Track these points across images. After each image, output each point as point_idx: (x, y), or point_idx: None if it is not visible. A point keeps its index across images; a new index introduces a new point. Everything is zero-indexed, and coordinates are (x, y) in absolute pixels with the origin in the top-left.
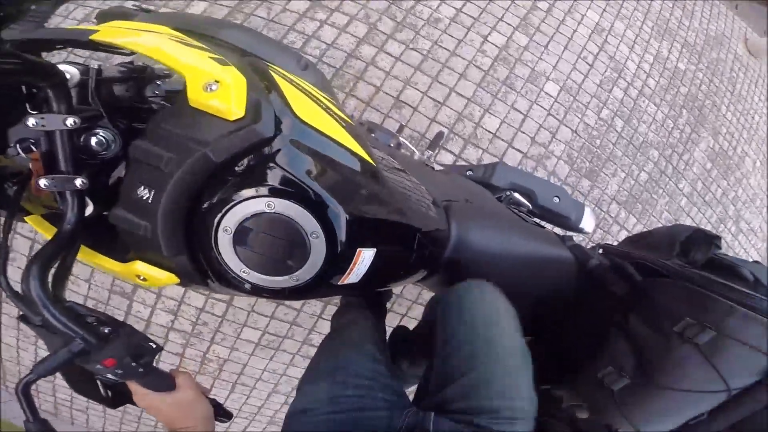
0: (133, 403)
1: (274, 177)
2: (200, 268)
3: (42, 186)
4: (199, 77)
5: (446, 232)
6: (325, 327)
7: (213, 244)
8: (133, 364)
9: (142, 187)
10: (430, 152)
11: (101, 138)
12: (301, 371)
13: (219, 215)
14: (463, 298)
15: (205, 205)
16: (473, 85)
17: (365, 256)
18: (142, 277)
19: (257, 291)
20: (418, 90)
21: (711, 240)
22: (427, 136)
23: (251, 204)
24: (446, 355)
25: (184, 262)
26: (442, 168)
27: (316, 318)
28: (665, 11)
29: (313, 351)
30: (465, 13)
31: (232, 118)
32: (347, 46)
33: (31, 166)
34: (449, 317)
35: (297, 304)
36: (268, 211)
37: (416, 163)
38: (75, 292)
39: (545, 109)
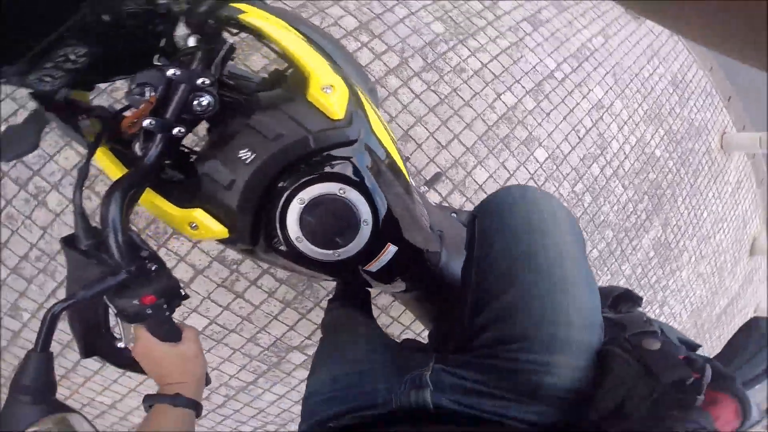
0: (136, 370)
1: (350, 170)
2: (255, 229)
3: (146, 125)
4: (321, 79)
5: (438, 256)
6: (277, 329)
7: (280, 211)
8: (164, 306)
9: (246, 150)
10: (425, 188)
11: (208, 101)
12: (237, 369)
13: (299, 187)
14: (503, 201)
15: (288, 178)
16: (475, 136)
17: (390, 251)
18: (194, 225)
19: (296, 258)
20: (427, 129)
21: (636, 299)
22: (423, 173)
23: (329, 186)
24: (480, 276)
25: (246, 221)
26: (435, 204)
27: (271, 318)
28: (663, 96)
29: (257, 350)
30: (488, 69)
31: (335, 118)
32: (377, 72)
33: (142, 106)
34: (487, 228)
35: (256, 300)
36: (339, 194)
37: (419, 192)
38: None
39: (530, 172)
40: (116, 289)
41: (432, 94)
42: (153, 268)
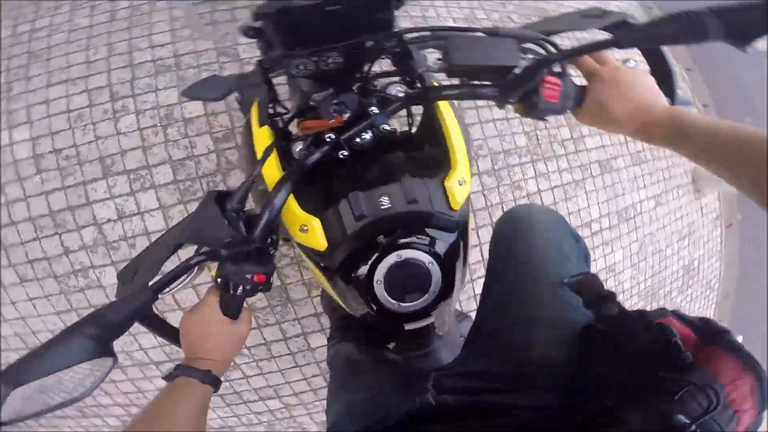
0: (165, 335)
1: (443, 251)
2: (348, 257)
3: (326, 137)
4: (460, 173)
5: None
6: None
7: (379, 254)
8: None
9: (387, 199)
10: None
11: (369, 138)
12: None
13: (404, 245)
14: (502, 223)
15: (400, 234)
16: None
17: (429, 320)
18: (305, 228)
19: (363, 290)
20: None
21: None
22: None
23: (424, 256)
24: (486, 291)
25: (349, 248)
26: None
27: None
28: (670, 278)
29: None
30: (541, 196)
31: (454, 208)
32: None
33: (331, 120)
34: (493, 250)
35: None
36: (427, 265)
37: None
38: None
39: None
40: (233, 257)
41: (481, 198)
42: (271, 252)
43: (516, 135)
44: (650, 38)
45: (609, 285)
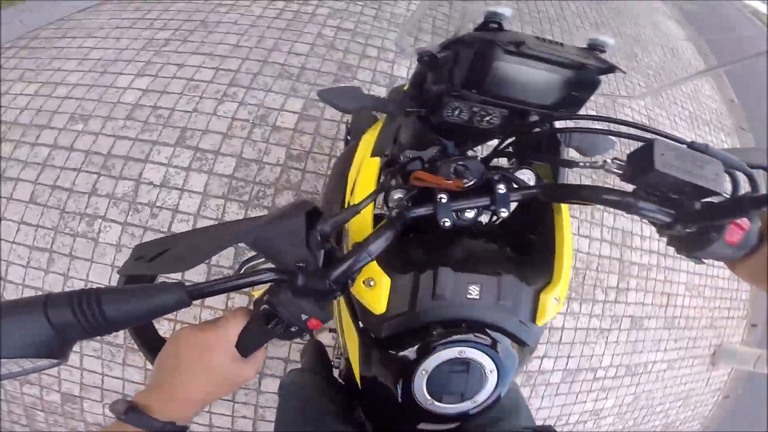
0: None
1: (510, 364)
2: (400, 334)
3: (439, 196)
4: (559, 291)
5: None
6: None
7: (437, 345)
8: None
9: (477, 290)
10: None
11: (473, 216)
12: None
13: (465, 344)
14: None
15: (464, 330)
16: None
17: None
18: (371, 283)
19: (396, 371)
20: None
21: None
22: None
23: (486, 361)
24: None
25: (407, 324)
26: None
27: None
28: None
29: None
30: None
31: (539, 324)
32: None
33: (449, 181)
34: None
35: None
36: (487, 374)
37: None
38: None
39: None
40: (299, 288)
41: None
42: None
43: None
44: None
45: (587, 427)
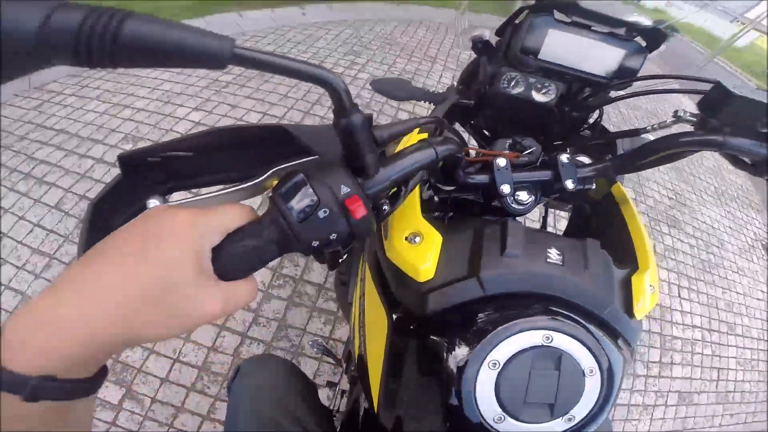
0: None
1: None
2: (449, 315)
3: (498, 162)
4: (653, 276)
5: None
6: None
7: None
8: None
9: (557, 251)
10: None
11: (531, 200)
12: None
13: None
14: None
15: (543, 313)
16: None
17: None
18: (416, 239)
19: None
20: None
21: None
22: None
23: (576, 363)
24: None
25: (460, 295)
26: None
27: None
28: None
29: None
30: None
31: (638, 317)
32: None
33: (506, 152)
34: None
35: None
36: (589, 374)
37: None
38: None
39: None
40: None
41: None
42: (384, 208)
43: None
44: None
45: None
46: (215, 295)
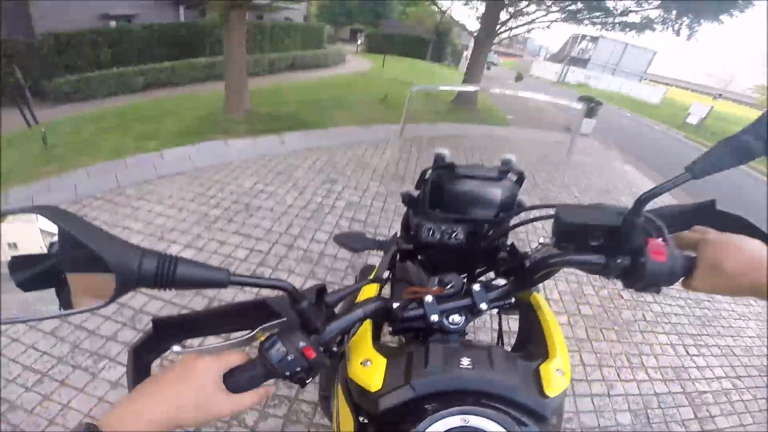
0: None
1: None
2: (392, 413)
3: (427, 299)
4: (560, 362)
5: None
6: None
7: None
8: (299, 372)
9: (468, 360)
10: None
11: (462, 321)
12: None
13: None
14: None
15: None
16: None
17: None
18: (368, 363)
19: None
20: None
21: None
22: None
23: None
24: None
25: (396, 398)
26: None
27: None
28: None
29: None
30: None
31: (549, 396)
32: None
33: (434, 288)
34: None
35: None
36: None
37: None
38: None
39: None
40: (297, 323)
41: None
42: (333, 350)
43: (619, 412)
44: (716, 165)
45: None
46: (227, 403)
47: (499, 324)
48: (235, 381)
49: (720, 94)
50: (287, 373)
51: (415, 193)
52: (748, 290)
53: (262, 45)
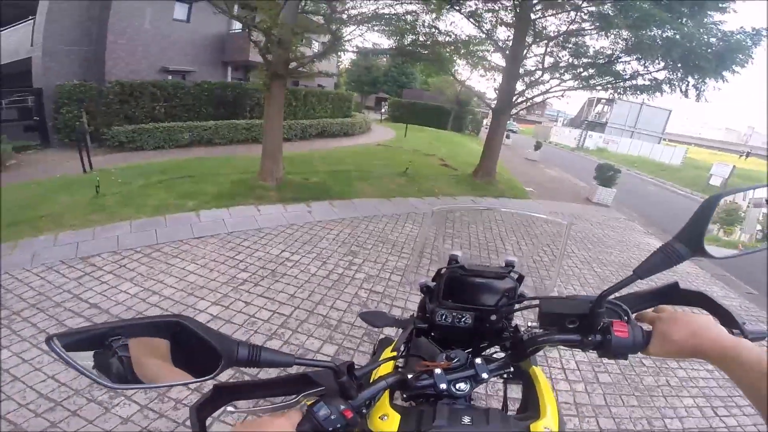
0: None
1: None
2: None
3: (437, 372)
4: (549, 422)
5: None
6: None
7: None
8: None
9: (469, 419)
10: None
11: (468, 388)
12: None
13: None
14: None
15: None
16: None
17: None
18: (385, 417)
19: None
20: None
21: None
22: None
23: None
24: None
25: None
26: None
27: None
28: None
29: None
30: None
31: None
32: None
33: (442, 362)
34: None
35: None
36: None
37: None
38: None
39: None
40: (336, 391)
41: None
42: (362, 412)
43: None
44: (655, 268)
45: None
46: None
47: (504, 392)
48: None
49: (749, 152)
50: (330, 429)
51: (432, 283)
52: (691, 355)
53: (296, 110)
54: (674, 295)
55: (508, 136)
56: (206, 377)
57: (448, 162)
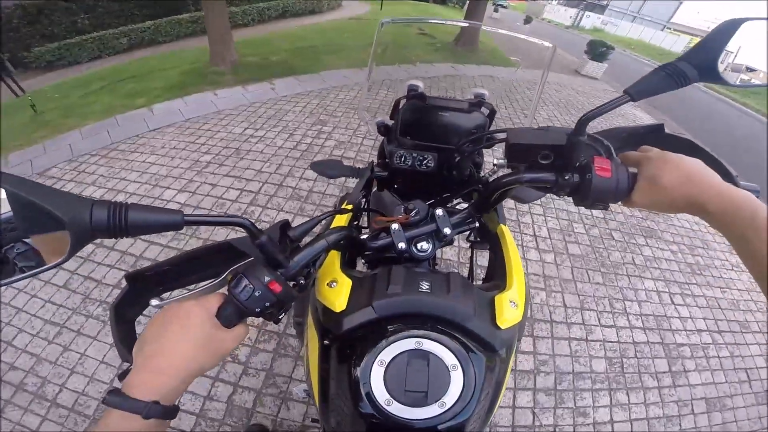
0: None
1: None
2: (361, 327)
3: (394, 227)
4: (515, 295)
5: None
6: None
7: (394, 338)
8: (271, 307)
9: (428, 284)
10: None
11: (429, 248)
12: None
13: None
14: None
15: (422, 327)
16: None
17: None
18: (333, 284)
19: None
20: None
21: None
22: None
23: (448, 356)
24: None
25: (365, 317)
26: None
27: None
28: None
29: None
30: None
31: (502, 327)
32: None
33: (400, 216)
34: None
35: None
36: (450, 369)
37: None
38: None
39: None
40: (262, 257)
41: (528, 415)
42: (300, 282)
43: (595, 359)
44: (653, 89)
45: None
46: (229, 337)
47: (471, 258)
48: (225, 318)
49: None
50: (257, 309)
51: (390, 122)
52: (684, 205)
53: None
54: (659, 138)
55: (496, 10)
56: (56, 262)
57: (426, 30)
